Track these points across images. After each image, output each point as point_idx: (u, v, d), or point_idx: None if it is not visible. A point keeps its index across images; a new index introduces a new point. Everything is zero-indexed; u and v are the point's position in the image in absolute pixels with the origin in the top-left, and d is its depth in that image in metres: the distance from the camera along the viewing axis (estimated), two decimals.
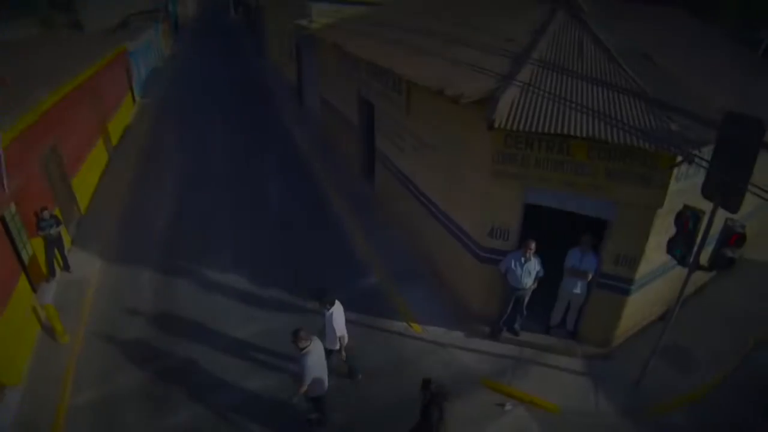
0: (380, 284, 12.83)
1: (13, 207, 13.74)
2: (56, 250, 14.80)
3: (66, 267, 15.16)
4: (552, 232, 11.34)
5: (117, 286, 14.34)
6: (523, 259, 10.35)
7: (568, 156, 9.32)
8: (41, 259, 14.57)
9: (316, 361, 8.32)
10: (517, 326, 11.34)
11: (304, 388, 8.36)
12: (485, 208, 10.57)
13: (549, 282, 10.82)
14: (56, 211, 15.52)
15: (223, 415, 9.88)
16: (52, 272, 14.69)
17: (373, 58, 14.05)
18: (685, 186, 9.18)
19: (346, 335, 9.68)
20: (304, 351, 8.23)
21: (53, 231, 14.37)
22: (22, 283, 12.89)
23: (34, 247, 14.34)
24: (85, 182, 19.58)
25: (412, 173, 13.40)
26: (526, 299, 10.91)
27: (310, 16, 22.31)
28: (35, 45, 26.68)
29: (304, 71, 25.50)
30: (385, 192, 15.72)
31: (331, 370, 9.21)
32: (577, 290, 10.57)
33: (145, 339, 12.19)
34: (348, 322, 10.84)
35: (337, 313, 9.48)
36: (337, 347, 9.66)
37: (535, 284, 10.73)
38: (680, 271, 9.31)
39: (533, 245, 10.27)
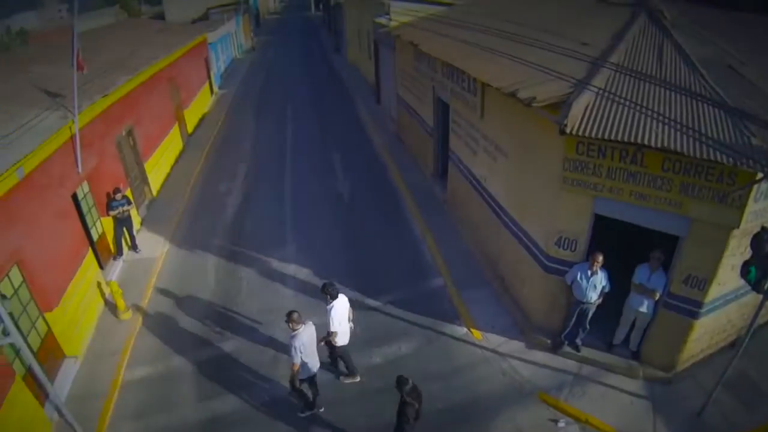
0: (445, 287, 12.44)
1: (85, 186, 14.22)
2: (125, 230, 15.25)
3: (134, 247, 15.58)
4: (621, 245, 10.62)
5: (181, 269, 14.58)
6: (589, 272, 9.72)
7: (641, 167, 8.65)
8: (110, 237, 15.03)
9: (304, 343, 8.53)
10: (578, 341, 10.69)
11: (296, 366, 8.60)
12: (553, 216, 10.03)
13: (614, 298, 10.12)
14: (127, 192, 15.94)
15: (267, 407, 9.84)
16: (119, 251, 15.13)
17: (448, 57, 13.75)
18: (765, 206, 8.35)
19: (340, 331, 9.47)
20: (294, 333, 8.54)
21: (123, 211, 14.77)
22: (89, 259, 13.28)
23: (104, 226, 14.80)
24: (158, 166, 20.20)
25: (483, 177, 12.99)
26: (590, 314, 10.25)
27: (389, 14, 22.15)
28: (118, 33, 27.70)
29: (382, 69, 25.32)
30: (456, 194, 15.34)
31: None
32: (643, 309, 9.81)
33: (202, 323, 12.29)
34: (409, 322, 10.67)
35: (338, 307, 9.31)
36: (344, 342, 9.56)
37: (600, 299, 10.06)
38: (754, 298, 8.63)
39: (600, 258, 9.61)
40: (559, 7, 15.71)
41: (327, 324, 9.28)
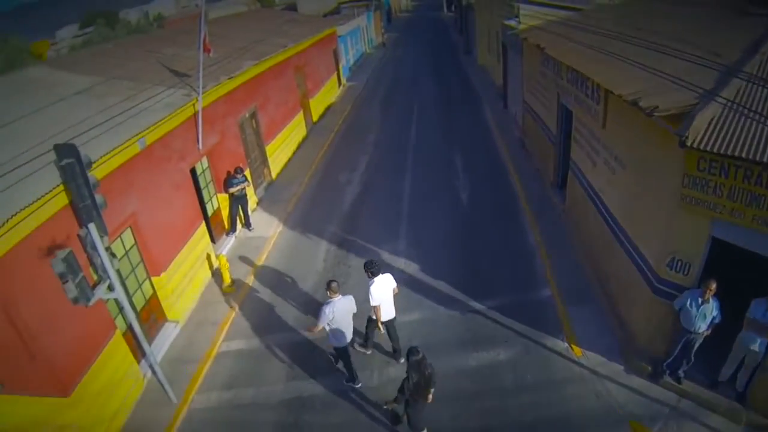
0: (551, 298, 11.56)
1: (205, 162, 14.74)
2: (240, 208, 15.67)
3: (247, 225, 15.98)
4: (737, 274, 9.17)
5: (291, 251, 14.72)
6: (700, 300, 8.48)
7: (766, 189, 7.38)
8: (225, 213, 15.50)
9: (336, 312, 8.92)
10: (681, 372, 9.39)
11: (317, 329, 9.19)
12: (668, 235, 8.93)
13: (725, 331, 8.76)
14: (246, 172, 16.32)
15: (353, 396, 9.66)
16: (233, 227, 15.59)
17: (573, 61, 12.89)
18: None
19: (384, 310, 9.60)
20: (329, 300, 8.98)
21: (240, 189, 15.15)
22: (202, 231, 13.77)
23: (219, 202, 15.31)
24: (279, 150, 20.75)
25: (601, 189, 11.99)
26: (697, 345, 8.96)
27: (518, 17, 21.40)
28: (249, 21, 28.86)
29: (510, 73, 24.42)
30: (574, 206, 14.28)
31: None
32: (756, 347, 8.38)
33: (304, 305, 12.25)
34: (510, 329, 10.11)
35: (379, 285, 9.42)
36: (386, 318, 9.62)
37: (709, 330, 8.77)
38: None
39: (714, 286, 8.33)
40: (694, 17, 14.21)
41: (369, 299, 9.42)
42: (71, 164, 7.97)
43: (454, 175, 17.44)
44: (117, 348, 9.93)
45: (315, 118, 26.59)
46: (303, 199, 17.99)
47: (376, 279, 9.41)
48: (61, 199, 8.76)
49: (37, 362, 8.50)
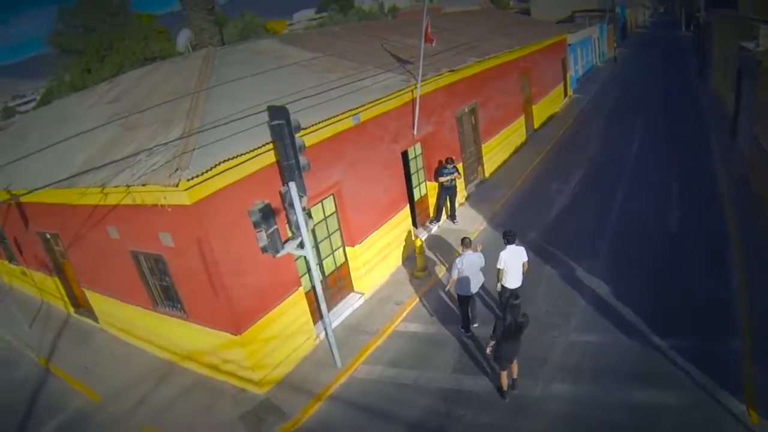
0: (740, 352, 9.24)
1: (418, 148, 14.70)
2: (448, 199, 15.44)
3: (452, 217, 15.65)
4: None
5: (490, 250, 13.91)
6: None
7: None
8: (432, 201, 15.30)
9: (467, 263, 9.96)
10: None
11: (453, 281, 10.09)
12: None
13: None
14: (459, 166, 16.03)
15: (511, 401, 9.02)
16: (437, 216, 15.43)
17: None
18: None
19: (508, 278, 10.08)
20: (461, 254, 10.12)
21: (450, 180, 14.91)
22: (404, 214, 13.84)
23: (428, 189, 15.31)
24: (496, 151, 20.20)
25: None
26: None
27: (757, 39, 18.08)
28: (479, 19, 28.65)
29: (742, 100, 20.90)
30: None
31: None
32: None
33: (487, 304, 11.78)
34: (686, 373, 8.89)
35: (509, 252, 10.05)
36: (512, 286, 9.85)
37: None
38: None
39: None
40: None
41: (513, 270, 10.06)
42: (281, 125, 8.41)
43: (666, 202, 15.50)
44: (296, 303, 10.37)
45: (536, 125, 25.50)
46: (511, 201, 17.42)
47: (508, 247, 10.10)
48: (269, 158, 9.08)
49: (220, 298, 9.12)
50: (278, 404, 9.50)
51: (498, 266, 10.09)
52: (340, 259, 11.97)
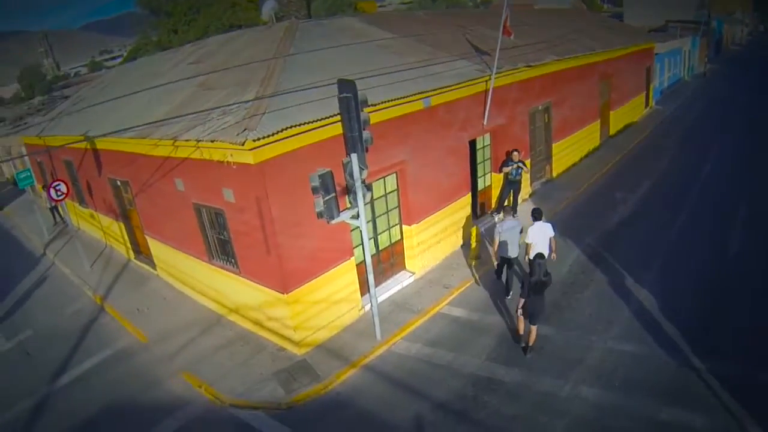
0: None
1: (487, 138, 14.63)
2: (512, 193, 15.25)
3: (514, 211, 15.30)
4: None
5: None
6: None
7: None
8: (495, 192, 15.36)
9: (505, 229, 11.04)
10: None
11: (495, 246, 11.21)
12: None
13: None
14: (527, 162, 15.87)
15: (537, 395, 9.03)
16: (499, 207, 15.20)
17: None
18: None
19: (534, 250, 10.34)
20: (500, 221, 11.34)
21: (514, 172, 14.71)
22: (465, 200, 13.95)
23: (493, 181, 15.30)
24: (566, 152, 19.77)
25: None
26: None
27: None
28: (564, 18, 27.91)
29: None
30: None
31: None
32: None
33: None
34: (721, 404, 8.37)
35: (536, 228, 10.86)
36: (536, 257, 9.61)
37: None
38: None
39: None
40: None
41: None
42: (348, 98, 8.48)
43: (732, 225, 14.69)
44: (346, 272, 10.60)
45: (612, 131, 24.69)
46: (574, 203, 17.07)
47: (536, 223, 10.88)
48: (335, 129, 9.28)
49: (271, 256, 9.42)
50: (313, 366, 9.76)
51: (526, 241, 10.84)
52: (396, 236, 12.08)
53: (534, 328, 9.58)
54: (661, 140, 25.06)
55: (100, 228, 17.29)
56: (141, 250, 15.29)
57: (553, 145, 18.55)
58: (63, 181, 14.88)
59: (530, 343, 9.66)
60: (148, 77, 16.60)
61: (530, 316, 9.40)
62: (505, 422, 8.39)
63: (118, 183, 14.38)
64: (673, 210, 16.05)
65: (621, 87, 25.04)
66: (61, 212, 19.14)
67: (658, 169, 20.39)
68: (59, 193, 14.71)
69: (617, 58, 23.83)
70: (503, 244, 11.10)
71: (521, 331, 9.92)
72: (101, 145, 13.62)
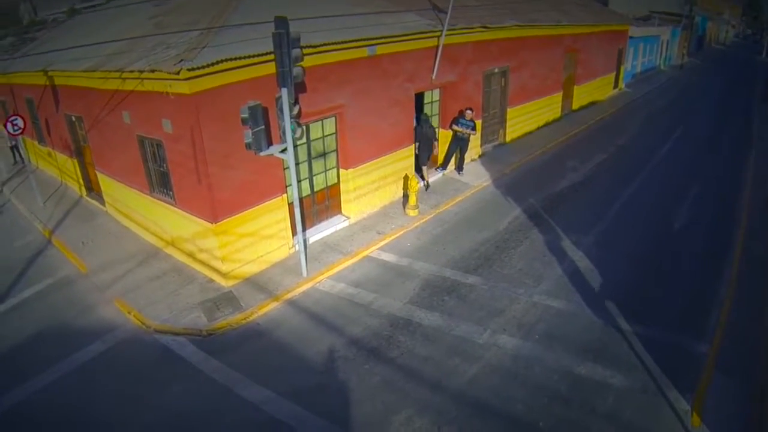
0: (705, 355, 8.66)
1: (436, 93, 15.05)
2: (459, 150, 15.68)
3: (459, 168, 15.95)
4: None
5: (484, 206, 14.42)
6: None
7: None
8: (441, 149, 15.72)
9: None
10: None
11: None
12: None
13: None
14: (477, 123, 16.21)
15: (456, 340, 9.20)
16: (444, 164, 15.70)
17: None
18: None
19: None
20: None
21: (464, 132, 15.16)
22: (408, 151, 14.33)
23: (440, 136, 15.68)
24: (522, 118, 20.17)
25: None
26: None
27: None
28: None
29: None
30: None
31: None
32: None
33: (468, 252, 11.98)
34: (642, 364, 8.51)
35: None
36: None
37: None
38: None
39: None
40: None
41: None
42: (281, 34, 8.72)
43: (680, 203, 14.96)
44: (277, 208, 10.90)
45: (575, 106, 25.06)
46: (522, 168, 17.38)
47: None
48: (271, 67, 9.39)
49: (202, 186, 9.70)
50: (238, 297, 10.13)
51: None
52: (333, 180, 12.38)
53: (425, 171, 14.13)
54: (624, 120, 25.32)
55: (56, 166, 17.41)
56: (93, 188, 15.48)
57: (509, 109, 18.88)
58: (20, 116, 14.86)
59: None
60: (113, 18, 16.66)
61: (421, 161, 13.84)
62: (417, 362, 8.57)
63: (73, 119, 14.49)
64: (624, 183, 16.28)
65: (588, 63, 25.37)
66: (21, 151, 19.16)
67: (616, 144, 20.72)
68: (16, 127, 14.70)
69: (587, 35, 24.07)
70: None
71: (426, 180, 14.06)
72: (59, 81, 13.72)
